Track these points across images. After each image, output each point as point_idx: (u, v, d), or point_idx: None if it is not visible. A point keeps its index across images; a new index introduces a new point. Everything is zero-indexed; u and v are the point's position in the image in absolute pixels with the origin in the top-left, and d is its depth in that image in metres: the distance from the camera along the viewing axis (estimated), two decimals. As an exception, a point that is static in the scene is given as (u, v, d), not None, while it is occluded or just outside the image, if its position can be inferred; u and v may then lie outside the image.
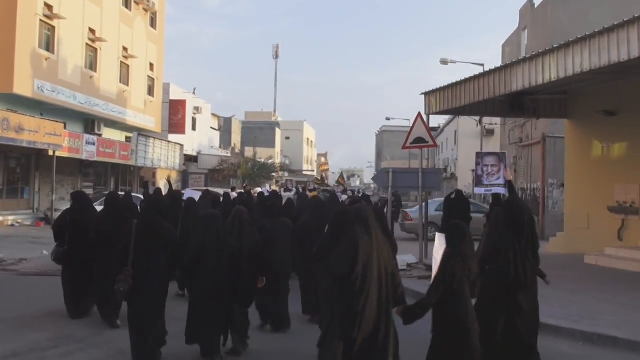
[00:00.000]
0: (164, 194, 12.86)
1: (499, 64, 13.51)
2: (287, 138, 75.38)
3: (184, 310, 6.09)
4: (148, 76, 30.81)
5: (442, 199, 17.82)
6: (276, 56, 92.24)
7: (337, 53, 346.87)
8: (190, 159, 40.67)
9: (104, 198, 9.24)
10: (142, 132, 30.16)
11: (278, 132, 69.43)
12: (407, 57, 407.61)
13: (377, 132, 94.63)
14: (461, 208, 12.98)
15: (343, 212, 4.92)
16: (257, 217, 8.37)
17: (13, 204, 21.56)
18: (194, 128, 41.51)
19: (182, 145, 36.73)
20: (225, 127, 53.51)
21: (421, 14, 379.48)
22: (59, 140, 20.74)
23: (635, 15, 8.01)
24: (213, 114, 49.01)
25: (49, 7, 20.94)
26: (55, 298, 8.10)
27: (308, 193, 24.40)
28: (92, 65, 24.61)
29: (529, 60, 10.43)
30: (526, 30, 25.10)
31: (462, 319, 4.52)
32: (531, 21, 24.40)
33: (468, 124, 36.11)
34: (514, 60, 11.19)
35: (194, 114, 41.36)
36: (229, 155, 49.24)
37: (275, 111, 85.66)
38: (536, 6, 24.17)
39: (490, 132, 35.26)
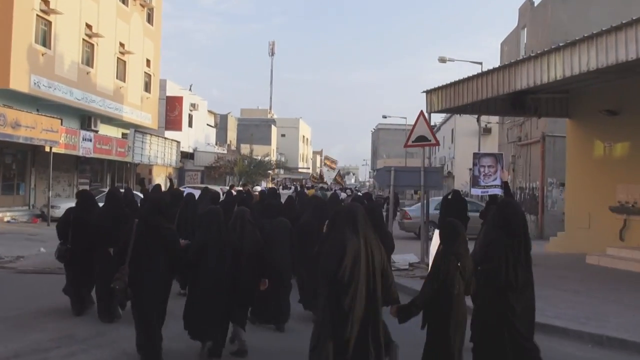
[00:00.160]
0: (163, 190, 12.80)
1: (496, 62, 13.49)
2: (283, 135, 75.39)
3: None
4: (145, 72, 30.61)
5: (440, 198, 17.83)
6: (272, 53, 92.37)
7: (333, 51, 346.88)
8: (186, 156, 40.54)
9: (103, 194, 9.17)
10: (139, 129, 30.00)
11: (274, 129, 69.42)
12: (403, 55, 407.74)
13: (373, 130, 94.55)
14: (459, 207, 12.96)
15: (337, 211, 4.89)
16: (258, 216, 8.31)
17: (9, 200, 21.37)
18: (190, 125, 41.37)
19: (178, 142, 36.61)
20: (221, 124, 53.38)
21: (416, 12, 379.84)
22: (55, 136, 20.55)
23: (642, 14, 7.95)
24: (209, 111, 48.86)
25: (45, 2, 20.74)
26: (55, 296, 8.01)
27: (306, 191, 24.45)
28: (88, 61, 24.40)
29: (534, 58, 10.35)
30: (525, 29, 25.02)
31: (454, 317, 4.57)
32: (530, 20, 24.33)
33: (465, 122, 35.92)
34: (517, 59, 11.12)
35: (191, 110, 41.22)
36: (225, 152, 49.15)
37: (270, 108, 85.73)
38: (536, 5, 24.10)
39: (488, 131, 35.21)
